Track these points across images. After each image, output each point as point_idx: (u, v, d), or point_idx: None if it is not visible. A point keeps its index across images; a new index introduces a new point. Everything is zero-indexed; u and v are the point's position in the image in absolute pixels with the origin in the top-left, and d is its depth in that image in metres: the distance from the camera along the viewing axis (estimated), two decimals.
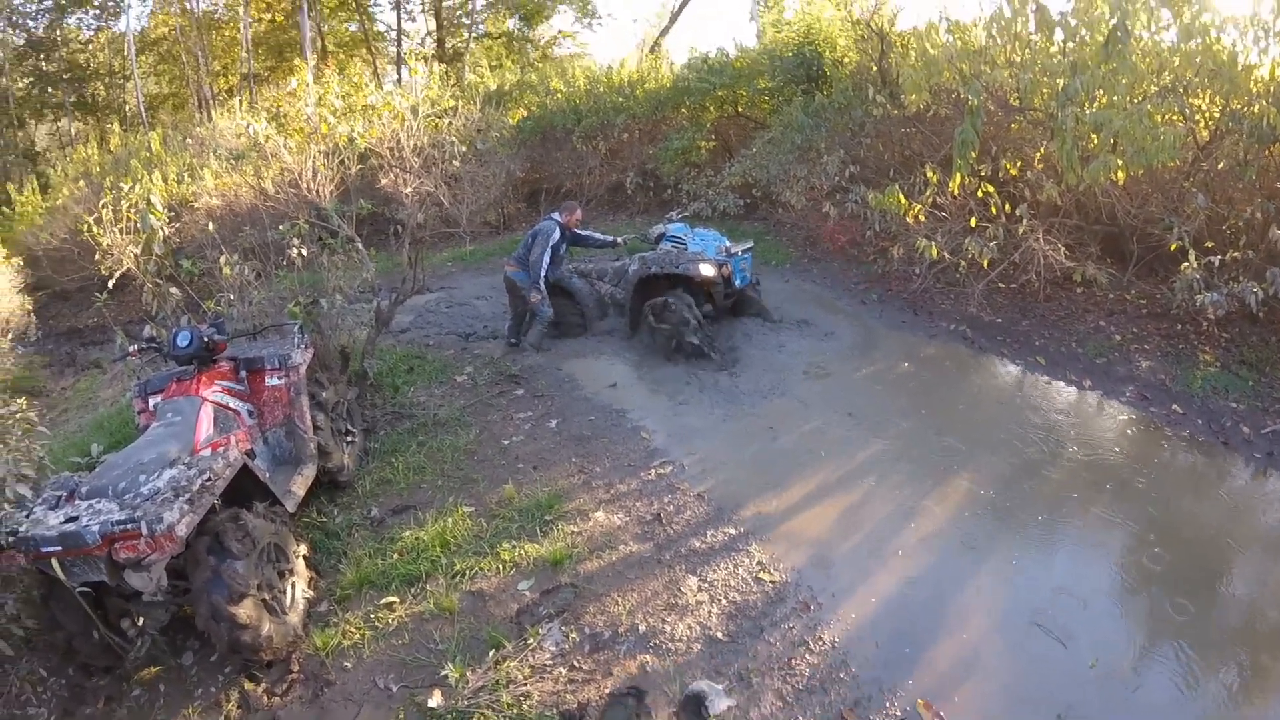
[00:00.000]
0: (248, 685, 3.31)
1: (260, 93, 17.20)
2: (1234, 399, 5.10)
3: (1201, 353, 5.63)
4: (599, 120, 11.82)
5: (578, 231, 6.80)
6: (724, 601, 3.52)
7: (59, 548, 2.86)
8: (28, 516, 3.04)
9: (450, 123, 7.18)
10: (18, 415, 3.65)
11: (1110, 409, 5.13)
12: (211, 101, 19.53)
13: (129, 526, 2.87)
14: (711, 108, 11.88)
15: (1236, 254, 5.51)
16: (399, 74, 19.90)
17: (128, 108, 21.68)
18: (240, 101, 11.17)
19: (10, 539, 2.91)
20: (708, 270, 6.13)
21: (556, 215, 6.64)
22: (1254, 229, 5.60)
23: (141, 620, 3.26)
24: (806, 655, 3.19)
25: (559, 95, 12.67)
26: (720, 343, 6.31)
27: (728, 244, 6.57)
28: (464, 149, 6.93)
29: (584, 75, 13.45)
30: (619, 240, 7.14)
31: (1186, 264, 5.46)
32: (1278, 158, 5.86)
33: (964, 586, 3.55)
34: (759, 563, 3.76)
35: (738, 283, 6.53)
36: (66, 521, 2.95)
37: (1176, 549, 3.75)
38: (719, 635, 3.33)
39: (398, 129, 6.47)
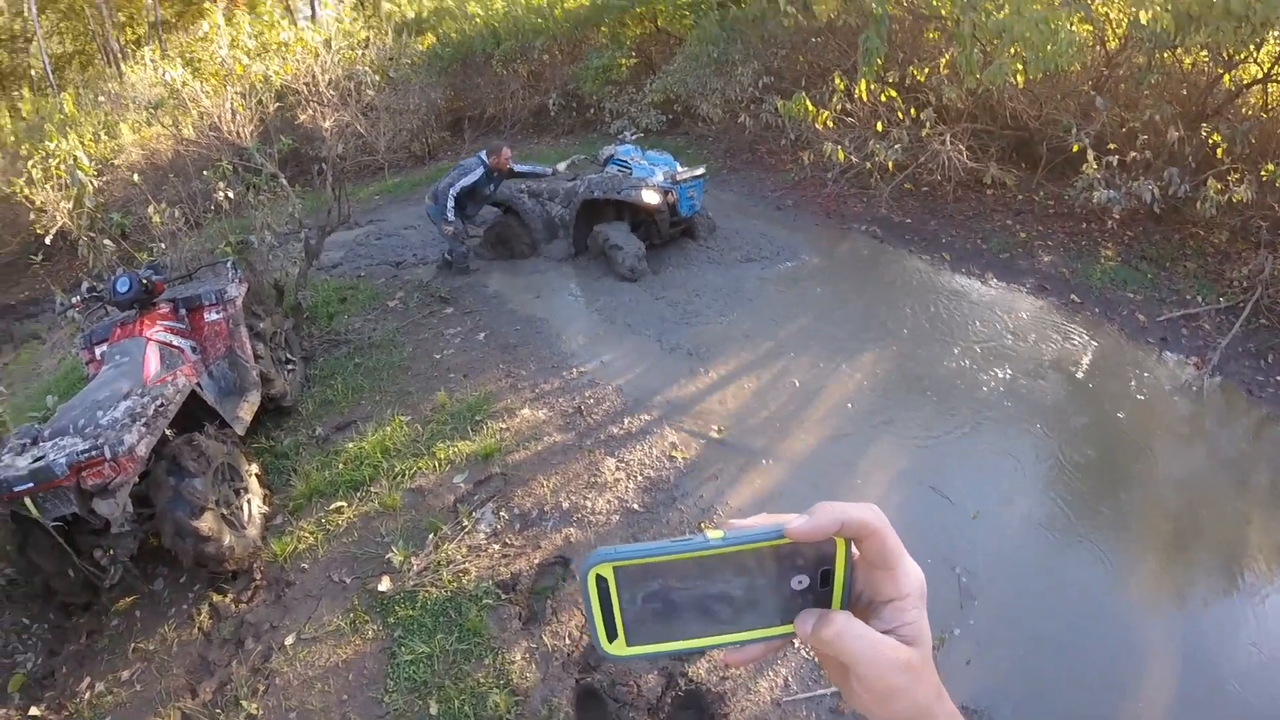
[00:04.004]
0: (216, 597, 3.58)
1: (170, 40, 16.47)
2: (1132, 290, 5.40)
3: (1104, 249, 5.91)
4: (518, 43, 11.59)
5: (516, 169, 6.57)
6: (640, 478, 3.89)
7: (31, 484, 3.03)
8: None
9: (364, 54, 7.16)
10: None
11: (1009, 298, 5.45)
12: (120, 55, 18.61)
13: (93, 453, 3.09)
14: (632, 25, 11.72)
15: (1136, 154, 5.69)
16: (313, 9, 19.07)
17: (34, 72, 20.54)
18: (151, 51, 10.74)
19: None
20: (650, 197, 5.90)
21: (483, 155, 6.39)
22: (1154, 131, 5.77)
23: (112, 551, 3.44)
24: (716, 520, 3.58)
25: (477, 19, 12.35)
26: (657, 265, 6.27)
27: (678, 169, 6.22)
28: (378, 78, 6.94)
29: None
30: (554, 169, 6.89)
31: (1088, 164, 5.64)
32: (1185, 63, 6.07)
33: (865, 455, 3.95)
34: (671, 443, 4.12)
35: (683, 212, 6.22)
36: (35, 461, 3.11)
37: (1063, 420, 4.16)
38: (635, 507, 3.71)
39: (312, 64, 6.46)
